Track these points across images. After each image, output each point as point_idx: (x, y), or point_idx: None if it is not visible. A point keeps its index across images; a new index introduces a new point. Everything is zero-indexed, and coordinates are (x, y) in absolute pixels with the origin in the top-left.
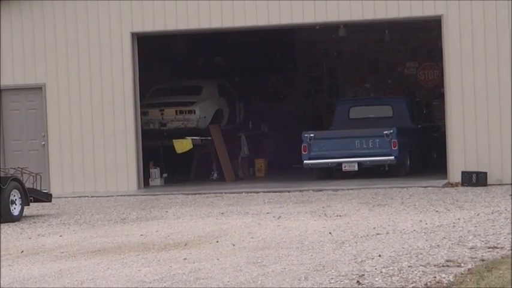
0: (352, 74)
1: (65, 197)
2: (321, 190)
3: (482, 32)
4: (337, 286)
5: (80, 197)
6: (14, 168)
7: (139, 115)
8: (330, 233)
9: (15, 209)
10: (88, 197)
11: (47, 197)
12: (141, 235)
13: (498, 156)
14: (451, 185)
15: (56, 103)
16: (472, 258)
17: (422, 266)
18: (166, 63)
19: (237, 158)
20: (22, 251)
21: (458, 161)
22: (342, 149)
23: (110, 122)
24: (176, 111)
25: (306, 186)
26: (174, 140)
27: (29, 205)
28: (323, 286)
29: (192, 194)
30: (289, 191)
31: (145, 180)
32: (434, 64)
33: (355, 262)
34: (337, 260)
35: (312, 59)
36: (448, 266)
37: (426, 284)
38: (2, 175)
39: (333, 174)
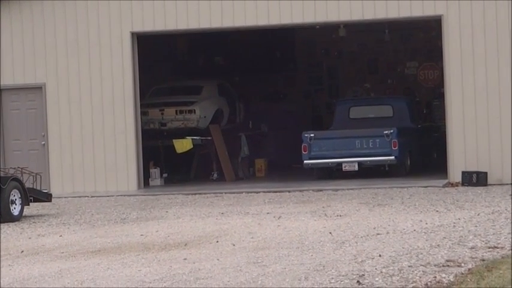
0: (352, 74)
1: (65, 197)
2: (321, 190)
3: (482, 32)
4: (337, 286)
5: (80, 197)
6: (14, 168)
7: (139, 115)
8: (330, 233)
9: (15, 209)
10: (88, 197)
11: (47, 197)
12: (141, 235)
13: (498, 156)
14: (452, 185)
15: (56, 103)
16: (473, 258)
17: (423, 266)
18: (166, 63)
19: (237, 158)
20: (22, 251)
21: (458, 161)
22: (342, 149)
23: (110, 122)
24: (176, 111)
25: (306, 186)
26: (174, 140)
27: (29, 205)
28: (323, 286)
29: (192, 194)
30: (289, 191)
31: (145, 180)
32: (434, 64)
33: (355, 262)
34: (337, 260)
35: (312, 59)
36: (448, 265)
37: (426, 284)
38: (2, 175)
39: (333, 174)
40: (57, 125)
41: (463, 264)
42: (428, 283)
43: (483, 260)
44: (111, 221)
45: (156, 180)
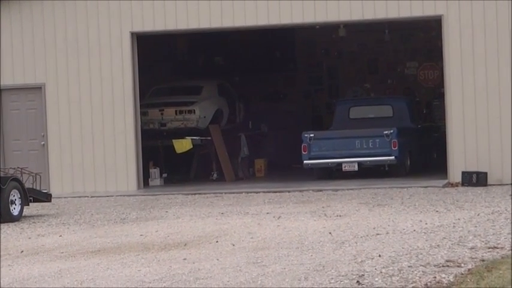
0: (352, 74)
1: (65, 197)
2: (321, 190)
3: (482, 32)
4: (337, 286)
5: (79, 197)
6: (14, 168)
7: (139, 115)
8: (329, 233)
9: (15, 209)
10: (88, 197)
11: (46, 197)
12: (141, 235)
13: (498, 156)
14: (451, 185)
15: (55, 103)
16: (472, 258)
17: (422, 266)
18: (166, 63)
19: (236, 158)
20: (22, 251)
21: (458, 161)
22: (342, 149)
23: (110, 122)
24: (176, 111)
25: (306, 186)
26: (173, 140)
27: (28, 205)
28: (323, 286)
29: (192, 194)
30: (289, 191)
31: (145, 180)
32: (434, 64)
33: (355, 262)
34: (337, 260)
35: (312, 59)
36: (448, 266)
37: (426, 284)
38: (1, 175)
39: (333, 174)
40: (57, 125)
41: (462, 265)
42: (428, 283)
43: (483, 260)
44: (110, 221)
45: (155, 180)
